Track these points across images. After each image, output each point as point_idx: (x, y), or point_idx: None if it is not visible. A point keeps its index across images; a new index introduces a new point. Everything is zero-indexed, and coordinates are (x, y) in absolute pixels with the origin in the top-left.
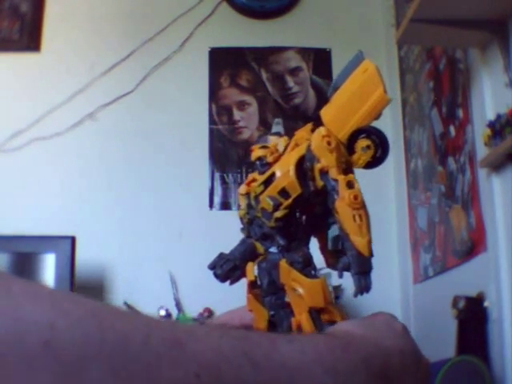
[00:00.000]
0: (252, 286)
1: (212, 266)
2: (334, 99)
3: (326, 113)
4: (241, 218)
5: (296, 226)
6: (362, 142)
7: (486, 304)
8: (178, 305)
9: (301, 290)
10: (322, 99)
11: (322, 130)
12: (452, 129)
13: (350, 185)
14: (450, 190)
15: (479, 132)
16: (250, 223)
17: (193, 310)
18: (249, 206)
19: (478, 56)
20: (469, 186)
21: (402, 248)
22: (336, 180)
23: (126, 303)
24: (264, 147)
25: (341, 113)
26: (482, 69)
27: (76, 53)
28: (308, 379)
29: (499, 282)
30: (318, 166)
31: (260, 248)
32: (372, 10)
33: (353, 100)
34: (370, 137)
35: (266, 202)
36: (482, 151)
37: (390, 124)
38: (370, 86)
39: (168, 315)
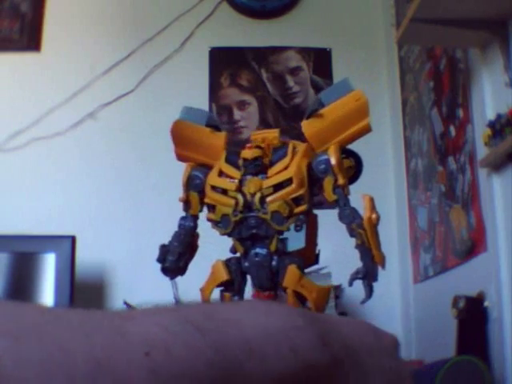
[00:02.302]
0: (223, 285)
1: (162, 258)
2: (320, 116)
3: (309, 126)
4: (225, 215)
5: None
6: (346, 163)
7: (486, 304)
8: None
9: (308, 297)
10: None
11: (337, 148)
12: (452, 129)
13: (373, 205)
14: (450, 190)
15: (479, 132)
16: (238, 222)
17: None
18: (246, 205)
19: (478, 56)
20: (469, 186)
21: (402, 248)
22: (346, 195)
23: (125, 303)
24: (258, 147)
25: (325, 130)
26: (482, 69)
27: (76, 53)
28: (255, 323)
29: (499, 282)
30: (331, 181)
31: (240, 248)
32: (372, 10)
33: (339, 122)
34: (349, 158)
35: (283, 206)
36: (482, 151)
37: (390, 124)
38: (358, 114)
39: None
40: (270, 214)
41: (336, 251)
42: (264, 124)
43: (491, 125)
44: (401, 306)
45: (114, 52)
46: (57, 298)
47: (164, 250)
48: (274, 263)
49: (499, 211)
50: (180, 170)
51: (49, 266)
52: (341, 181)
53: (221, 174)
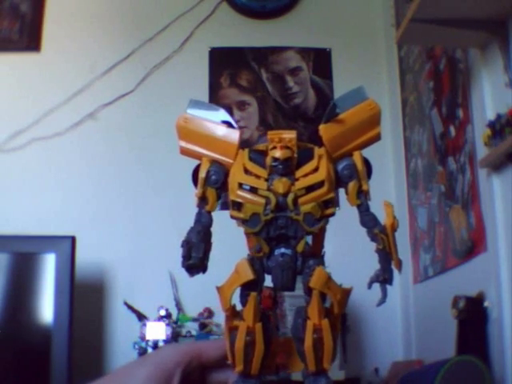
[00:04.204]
0: (248, 285)
1: (188, 255)
2: (339, 121)
3: (326, 130)
4: (255, 214)
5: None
6: None
7: (486, 304)
8: (178, 305)
9: (333, 298)
10: (322, 99)
11: (361, 154)
12: (452, 129)
13: (393, 212)
14: (450, 190)
15: (479, 132)
16: (268, 221)
17: (193, 310)
18: (278, 204)
19: (477, 56)
20: (469, 186)
21: (402, 248)
22: (366, 198)
23: (125, 303)
24: (288, 148)
25: (342, 136)
26: (482, 69)
27: (76, 53)
28: None
29: (499, 282)
30: (356, 185)
31: (266, 247)
32: (372, 10)
33: (353, 130)
34: None
35: (316, 208)
36: (481, 151)
37: (390, 124)
38: (371, 122)
39: (168, 315)
40: (302, 215)
41: (335, 251)
42: (264, 124)
43: (491, 125)
44: (401, 306)
45: (113, 52)
46: (57, 298)
47: (189, 247)
48: (298, 263)
49: (499, 211)
50: (180, 170)
51: (49, 266)
52: (365, 186)
53: (246, 171)
